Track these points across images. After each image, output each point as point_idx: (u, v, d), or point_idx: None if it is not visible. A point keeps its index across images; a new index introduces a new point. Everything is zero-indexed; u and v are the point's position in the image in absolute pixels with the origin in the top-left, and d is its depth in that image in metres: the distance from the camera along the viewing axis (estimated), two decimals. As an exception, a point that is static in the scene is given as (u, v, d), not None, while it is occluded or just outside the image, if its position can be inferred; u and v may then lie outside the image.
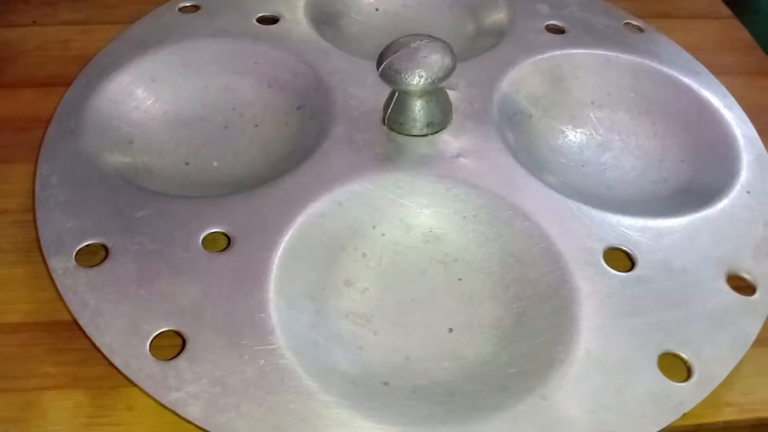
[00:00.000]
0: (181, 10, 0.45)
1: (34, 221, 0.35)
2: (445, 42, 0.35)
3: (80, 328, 0.29)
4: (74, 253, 0.30)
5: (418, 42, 0.35)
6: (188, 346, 0.28)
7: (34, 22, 0.49)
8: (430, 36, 0.35)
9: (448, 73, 0.35)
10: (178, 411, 0.26)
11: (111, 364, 0.29)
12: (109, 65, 0.40)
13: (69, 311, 0.29)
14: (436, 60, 0.34)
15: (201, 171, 0.37)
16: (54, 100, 0.42)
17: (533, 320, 0.30)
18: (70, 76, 0.43)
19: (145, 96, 0.40)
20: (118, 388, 0.30)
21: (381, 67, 0.34)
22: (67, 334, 0.31)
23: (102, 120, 0.37)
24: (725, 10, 0.52)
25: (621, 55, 0.43)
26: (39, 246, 0.34)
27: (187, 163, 0.38)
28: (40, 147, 0.36)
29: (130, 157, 0.36)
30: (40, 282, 0.33)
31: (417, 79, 0.34)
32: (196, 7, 0.45)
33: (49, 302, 0.32)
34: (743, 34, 0.50)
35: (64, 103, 0.38)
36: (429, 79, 0.34)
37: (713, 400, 0.29)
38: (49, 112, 0.41)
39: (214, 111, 0.40)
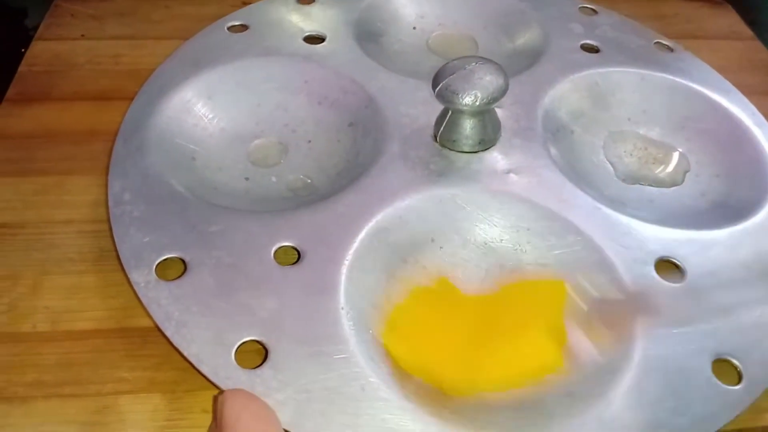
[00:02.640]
0: (229, 29, 0.46)
1: (99, 231, 0.37)
2: (497, 63, 0.37)
3: (161, 333, 0.30)
4: (154, 267, 0.32)
5: (473, 64, 0.36)
6: (271, 355, 0.29)
7: (82, 35, 0.50)
8: (482, 57, 0.37)
9: (502, 93, 0.36)
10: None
11: (185, 368, 0.30)
12: (166, 84, 0.41)
13: (149, 318, 0.31)
14: (490, 81, 0.36)
15: (261, 186, 0.39)
16: (108, 113, 0.44)
17: (591, 331, 0.32)
18: (123, 90, 0.45)
19: (203, 113, 0.41)
20: (193, 391, 0.31)
21: (438, 88, 0.36)
22: (140, 340, 0.33)
23: (165, 137, 0.39)
24: (748, 32, 0.54)
25: (654, 74, 0.45)
26: (105, 255, 0.36)
27: (246, 179, 0.39)
28: (108, 162, 0.37)
29: (195, 174, 0.38)
30: (110, 290, 0.35)
31: (473, 100, 0.36)
32: (244, 27, 0.46)
33: (121, 309, 0.34)
34: (765, 55, 0.52)
35: (127, 121, 0.39)
36: (484, 99, 0.36)
37: (755, 405, 0.31)
38: (105, 125, 0.43)
39: (268, 128, 0.42)
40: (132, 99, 0.41)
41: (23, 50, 0.49)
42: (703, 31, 0.54)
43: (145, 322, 0.33)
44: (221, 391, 0.28)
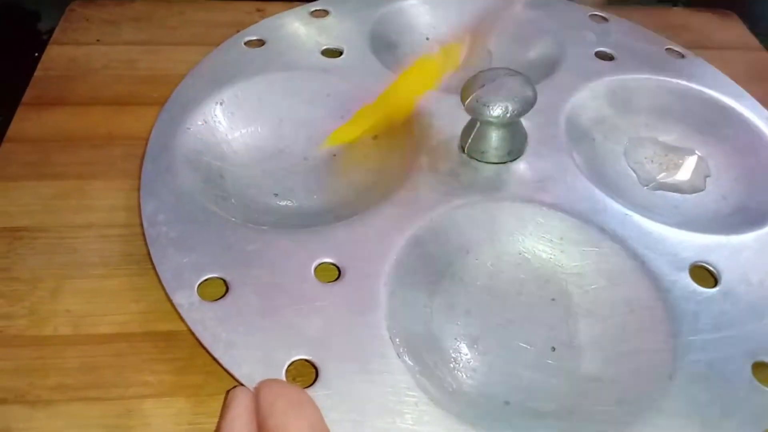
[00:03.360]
0: (246, 44, 0.46)
1: (120, 235, 0.37)
2: (524, 75, 0.37)
3: (208, 353, 0.30)
4: (196, 288, 0.32)
5: (502, 76, 0.37)
6: (321, 374, 0.29)
7: (98, 40, 0.50)
8: (509, 69, 0.37)
9: (531, 105, 0.37)
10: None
11: (209, 372, 0.31)
12: (188, 102, 0.41)
13: (172, 322, 0.31)
14: (520, 92, 0.36)
15: (291, 201, 0.39)
16: (126, 118, 0.44)
17: (632, 338, 0.33)
18: (141, 96, 0.45)
19: (226, 130, 0.41)
20: (217, 395, 0.31)
21: (468, 101, 0.36)
22: (163, 344, 0.33)
23: (192, 156, 0.38)
24: (756, 43, 0.55)
25: (669, 80, 0.46)
26: (127, 259, 0.36)
27: (276, 194, 0.39)
28: (127, 167, 0.38)
29: (225, 192, 0.38)
30: (132, 294, 0.35)
31: (503, 111, 0.36)
32: (260, 42, 0.46)
33: (143, 313, 0.34)
34: None
35: (153, 141, 0.39)
36: (515, 111, 0.36)
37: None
38: (123, 130, 0.43)
39: (292, 143, 0.42)
40: (149, 105, 0.41)
41: (37, 54, 0.48)
42: (711, 42, 0.55)
43: (167, 326, 0.33)
44: (234, 387, 0.28)
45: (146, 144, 0.38)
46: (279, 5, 0.53)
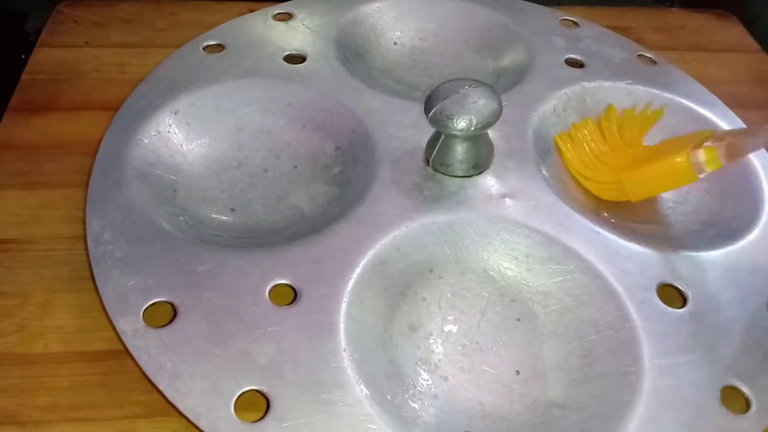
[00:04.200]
0: (205, 49, 0.44)
1: None
2: (490, 86, 0.36)
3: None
4: (141, 313, 0.30)
5: (466, 87, 0.35)
6: (273, 405, 0.28)
7: (86, 42, 0.49)
8: (474, 80, 0.36)
9: (497, 117, 0.35)
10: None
11: None
12: (141, 110, 0.39)
13: None
14: (485, 105, 0.35)
15: (248, 216, 0.37)
16: None
17: (599, 361, 0.31)
18: None
19: (181, 141, 0.39)
20: None
21: (431, 113, 0.35)
22: None
23: (144, 169, 0.37)
24: (754, 44, 0.54)
25: (640, 87, 0.45)
26: None
27: (232, 210, 0.37)
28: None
29: (178, 208, 0.36)
30: None
31: (468, 124, 0.35)
32: (220, 47, 0.44)
33: None
34: None
35: (102, 152, 0.37)
36: (480, 124, 0.35)
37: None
38: None
39: (251, 153, 0.40)
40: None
41: (24, 56, 0.46)
42: (710, 44, 0.54)
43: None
44: None
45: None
46: (270, 6, 0.51)
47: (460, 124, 0.35)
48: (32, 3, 0.58)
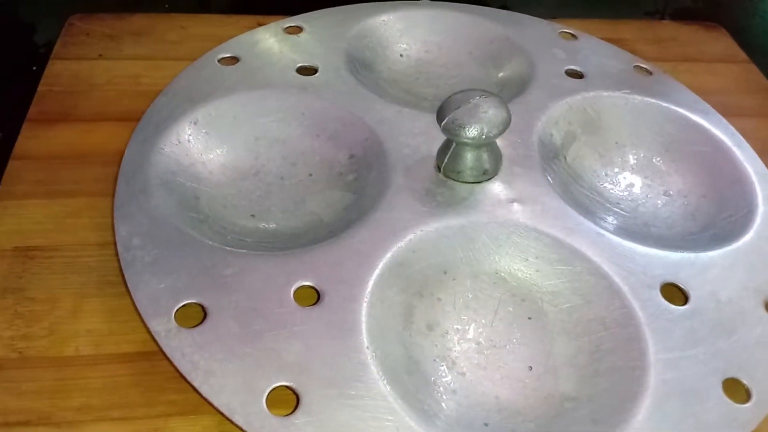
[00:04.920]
0: (220, 61, 0.46)
1: None
2: (499, 96, 0.38)
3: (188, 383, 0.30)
4: (173, 314, 0.31)
5: (477, 97, 0.37)
6: (303, 400, 0.29)
7: (100, 55, 0.50)
8: (484, 90, 0.38)
9: (506, 126, 0.37)
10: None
11: None
12: (162, 121, 0.41)
13: None
14: (495, 114, 0.37)
15: (268, 222, 0.38)
16: None
17: (607, 356, 0.33)
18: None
19: (201, 150, 0.41)
20: None
21: (444, 122, 0.37)
22: None
23: (166, 177, 0.38)
24: (742, 55, 0.57)
25: (638, 97, 0.47)
26: None
27: (252, 216, 0.39)
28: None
29: (202, 214, 0.37)
30: None
31: (479, 133, 0.36)
32: (234, 59, 0.46)
33: None
34: (759, 77, 0.55)
35: (126, 162, 0.38)
36: (490, 133, 0.37)
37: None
38: None
39: (268, 162, 0.42)
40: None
41: (35, 68, 0.48)
42: (700, 55, 0.56)
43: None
44: None
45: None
46: (279, 19, 0.52)
47: (472, 132, 0.36)
48: (40, 15, 0.60)
